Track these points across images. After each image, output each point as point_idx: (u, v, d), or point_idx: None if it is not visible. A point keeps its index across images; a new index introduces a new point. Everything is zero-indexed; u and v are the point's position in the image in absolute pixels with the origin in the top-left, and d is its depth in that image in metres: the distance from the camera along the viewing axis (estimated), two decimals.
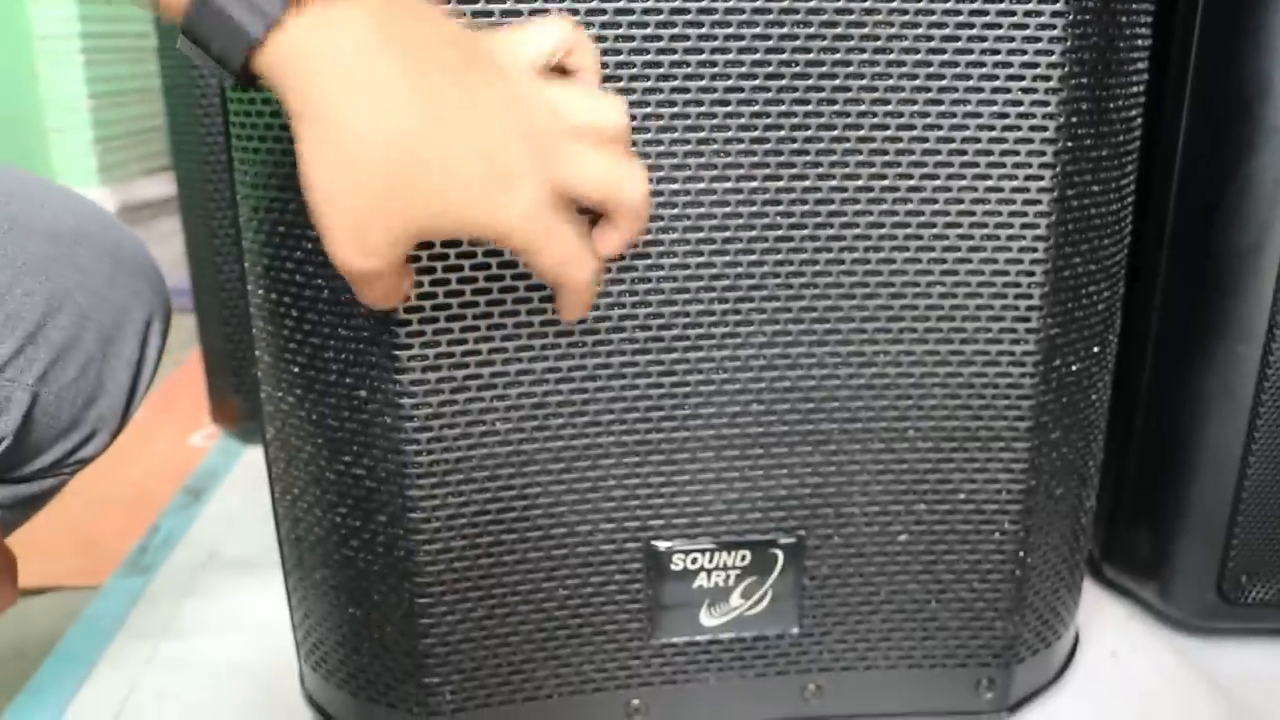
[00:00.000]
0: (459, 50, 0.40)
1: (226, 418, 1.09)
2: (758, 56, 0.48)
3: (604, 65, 0.47)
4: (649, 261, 0.50)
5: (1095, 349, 0.58)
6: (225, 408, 1.08)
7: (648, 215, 0.45)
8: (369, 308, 0.46)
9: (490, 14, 0.46)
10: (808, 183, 0.51)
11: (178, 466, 1.08)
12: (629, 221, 0.44)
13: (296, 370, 0.53)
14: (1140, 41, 0.54)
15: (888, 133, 0.50)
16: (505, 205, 0.40)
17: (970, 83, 0.50)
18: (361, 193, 0.38)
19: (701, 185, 0.50)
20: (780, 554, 0.56)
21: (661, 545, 0.55)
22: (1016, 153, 0.51)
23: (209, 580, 0.82)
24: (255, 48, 0.36)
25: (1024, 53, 0.50)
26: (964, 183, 0.52)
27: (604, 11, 0.47)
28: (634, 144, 0.48)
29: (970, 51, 0.50)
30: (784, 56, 0.49)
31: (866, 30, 0.49)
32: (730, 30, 0.48)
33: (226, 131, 0.53)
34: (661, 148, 0.49)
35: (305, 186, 0.38)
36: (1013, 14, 0.49)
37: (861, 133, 0.50)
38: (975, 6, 0.49)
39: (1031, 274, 0.53)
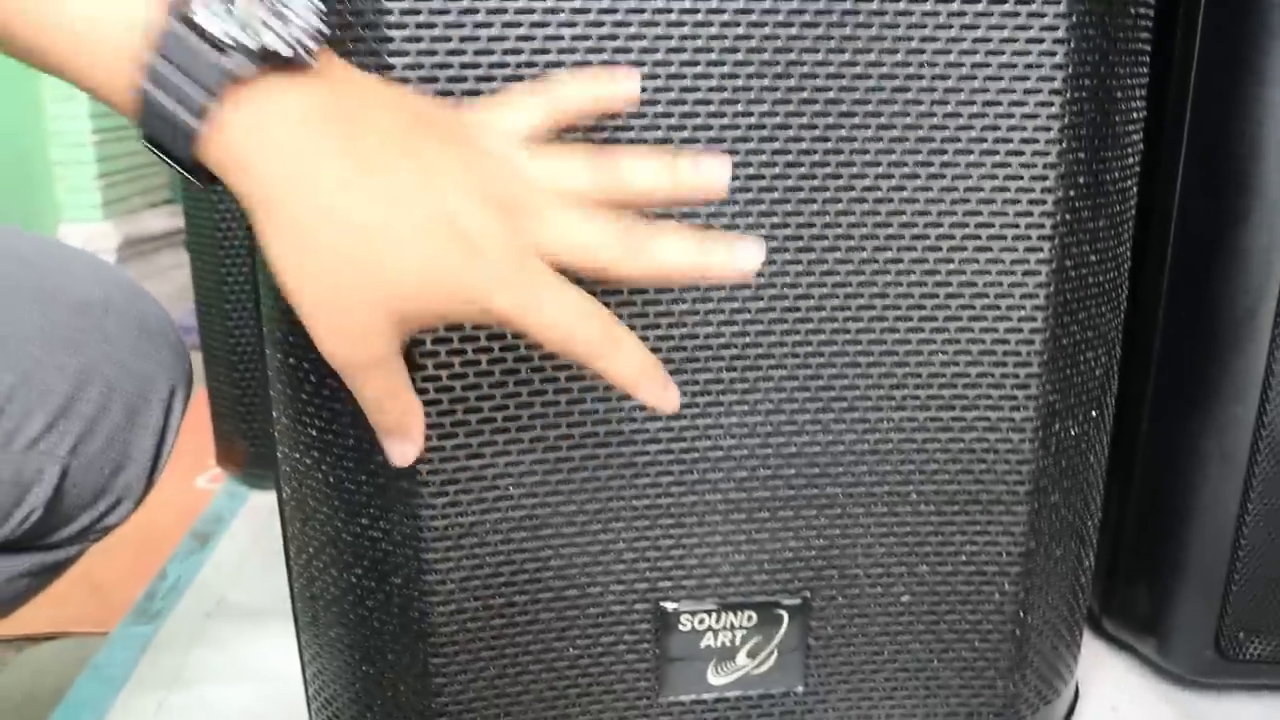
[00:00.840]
0: (404, 118, 0.38)
1: (232, 461, 1.09)
2: (765, 133, 0.50)
3: (600, 133, 0.48)
4: (659, 332, 0.52)
5: (1093, 413, 0.59)
6: (231, 452, 1.08)
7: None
8: (384, 430, 0.43)
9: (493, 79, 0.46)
10: (814, 255, 0.52)
11: (183, 509, 1.08)
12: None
13: (314, 433, 0.54)
14: (1135, 114, 0.56)
15: (891, 206, 0.52)
16: (476, 271, 0.37)
17: (971, 158, 0.52)
18: (329, 278, 0.37)
19: None
20: (785, 614, 0.57)
21: (670, 606, 0.56)
22: (1016, 225, 0.53)
23: (217, 628, 0.83)
24: (198, 143, 0.35)
25: (1023, 129, 0.51)
26: (965, 254, 0.53)
27: None
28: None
29: (971, 127, 0.51)
30: (791, 133, 0.50)
31: (871, 107, 0.50)
32: (726, 96, 0.49)
33: None
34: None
35: (275, 277, 0.37)
36: (1012, 91, 0.51)
37: (866, 206, 0.52)
38: (976, 85, 0.51)
39: (1030, 342, 0.54)
